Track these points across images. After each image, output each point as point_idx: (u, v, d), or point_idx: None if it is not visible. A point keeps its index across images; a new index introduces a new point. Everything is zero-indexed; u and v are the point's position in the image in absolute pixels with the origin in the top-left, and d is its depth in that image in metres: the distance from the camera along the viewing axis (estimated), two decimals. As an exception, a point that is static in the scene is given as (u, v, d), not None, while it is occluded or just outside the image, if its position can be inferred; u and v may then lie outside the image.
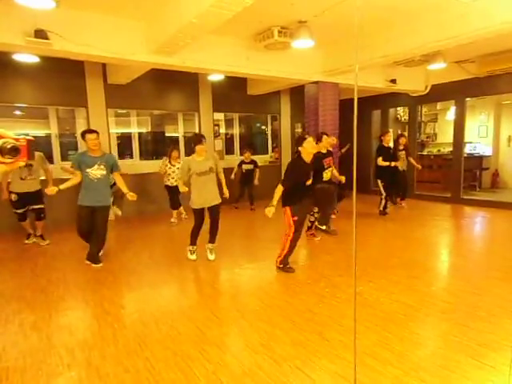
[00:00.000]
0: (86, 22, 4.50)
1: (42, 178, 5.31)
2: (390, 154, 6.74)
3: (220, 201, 4.50)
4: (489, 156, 9.70)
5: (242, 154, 8.41)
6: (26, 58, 5.57)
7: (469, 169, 8.84)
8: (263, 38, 5.35)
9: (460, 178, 8.24)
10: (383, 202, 6.85)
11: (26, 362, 2.46)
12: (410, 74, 7.87)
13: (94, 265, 4.39)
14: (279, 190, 3.89)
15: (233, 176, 7.62)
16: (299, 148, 4.05)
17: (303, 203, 4.04)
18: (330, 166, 5.43)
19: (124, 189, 4.41)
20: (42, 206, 5.29)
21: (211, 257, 4.59)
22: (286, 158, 9.91)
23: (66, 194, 4.42)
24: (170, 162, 6.55)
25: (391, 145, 6.95)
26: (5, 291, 3.75)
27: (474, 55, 7.01)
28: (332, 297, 3.39)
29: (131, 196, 4.27)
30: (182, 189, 4.47)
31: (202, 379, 2.23)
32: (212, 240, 4.61)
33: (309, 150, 4.00)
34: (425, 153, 10.42)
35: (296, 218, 3.98)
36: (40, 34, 4.16)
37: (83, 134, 4.29)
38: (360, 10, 3.69)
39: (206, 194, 4.39)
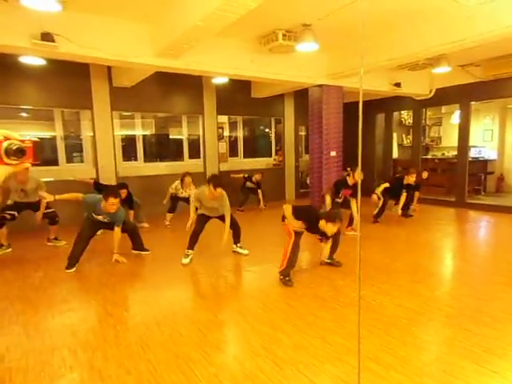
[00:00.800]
0: (92, 24, 4.53)
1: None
2: (401, 189, 6.65)
3: (223, 212, 4.58)
4: (494, 160, 9.64)
5: (249, 177, 8.20)
6: (32, 60, 5.62)
7: (473, 173, 8.79)
8: (267, 41, 5.37)
9: (465, 182, 8.19)
10: (378, 210, 6.68)
11: (28, 362, 2.47)
12: (414, 77, 7.86)
13: (143, 252, 4.91)
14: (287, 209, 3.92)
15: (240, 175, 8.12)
16: (320, 221, 3.85)
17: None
18: (345, 197, 5.48)
19: (116, 245, 4.48)
20: (52, 210, 5.30)
21: (245, 251, 4.82)
22: (290, 161, 9.92)
23: (67, 203, 4.46)
24: (182, 186, 6.58)
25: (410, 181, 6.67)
26: (8, 292, 3.76)
27: (479, 59, 6.99)
28: (335, 301, 3.38)
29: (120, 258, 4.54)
30: (193, 216, 4.63)
31: (204, 381, 2.22)
32: (236, 240, 4.84)
33: (327, 230, 3.85)
34: (429, 156, 10.38)
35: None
36: (46, 36, 4.20)
37: (107, 196, 4.15)
38: (364, 13, 3.69)
39: (213, 214, 4.63)
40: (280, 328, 2.87)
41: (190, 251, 4.52)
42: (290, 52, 5.66)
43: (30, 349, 2.64)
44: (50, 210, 5.28)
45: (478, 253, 5.09)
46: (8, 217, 5.03)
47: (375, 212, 6.65)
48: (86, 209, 4.41)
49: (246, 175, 8.16)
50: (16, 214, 5.10)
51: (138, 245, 4.93)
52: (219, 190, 4.24)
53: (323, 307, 3.25)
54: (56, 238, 5.51)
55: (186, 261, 4.48)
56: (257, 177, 8.09)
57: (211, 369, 2.35)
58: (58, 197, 4.25)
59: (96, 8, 4.40)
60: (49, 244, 5.49)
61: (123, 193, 5.57)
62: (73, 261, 4.35)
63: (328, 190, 5.96)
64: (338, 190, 5.50)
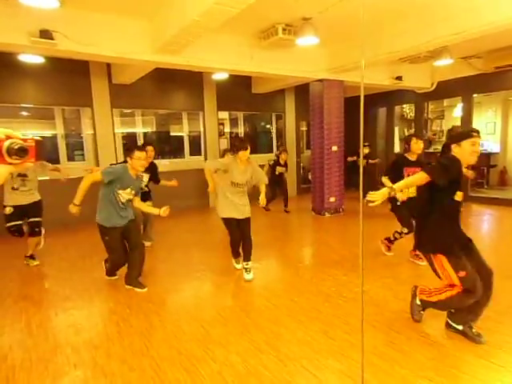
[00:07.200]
0: (91, 21, 4.50)
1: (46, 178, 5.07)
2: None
3: (250, 214, 4.01)
4: (496, 153, 9.57)
5: (278, 155, 7.58)
6: (32, 58, 5.60)
7: (476, 166, 8.72)
8: (267, 35, 5.32)
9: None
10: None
11: (32, 361, 2.47)
12: (415, 70, 7.79)
13: (137, 289, 3.68)
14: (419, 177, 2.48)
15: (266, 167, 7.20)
16: (452, 147, 2.52)
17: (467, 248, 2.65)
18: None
19: (151, 210, 3.79)
20: (39, 220, 4.53)
21: (248, 276, 3.93)
22: (291, 157, 9.86)
23: (73, 194, 4.02)
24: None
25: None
26: (12, 290, 3.77)
27: (481, 50, 6.92)
28: (338, 296, 3.37)
29: (164, 212, 3.51)
30: (211, 185, 3.98)
31: (207, 378, 2.22)
32: (247, 258, 4.00)
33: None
34: (431, 150, 10.32)
35: (464, 274, 2.40)
36: (45, 34, 4.17)
37: (131, 150, 3.51)
38: (365, 5, 3.64)
39: (235, 206, 3.92)
40: (283, 324, 2.87)
41: (238, 259, 4.21)
42: (290, 46, 5.61)
43: (33, 347, 2.65)
44: (35, 220, 4.47)
45: (481, 247, 4.98)
46: (15, 227, 4.36)
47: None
48: (108, 185, 3.46)
49: (271, 162, 7.36)
50: (21, 222, 4.42)
51: (132, 274, 3.77)
52: (247, 152, 3.83)
53: (326, 302, 3.24)
54: (32, 256, 4.64)
55: (238, 266, 4.24)
56: (283, 156, 7.29)
57: (214, 366, 2.34)
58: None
59: (94, 4, 4.36)
60: (24, 262, 4.63)
61: (150, 150, 4.64)
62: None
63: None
64: (401, 171, 4.87)
